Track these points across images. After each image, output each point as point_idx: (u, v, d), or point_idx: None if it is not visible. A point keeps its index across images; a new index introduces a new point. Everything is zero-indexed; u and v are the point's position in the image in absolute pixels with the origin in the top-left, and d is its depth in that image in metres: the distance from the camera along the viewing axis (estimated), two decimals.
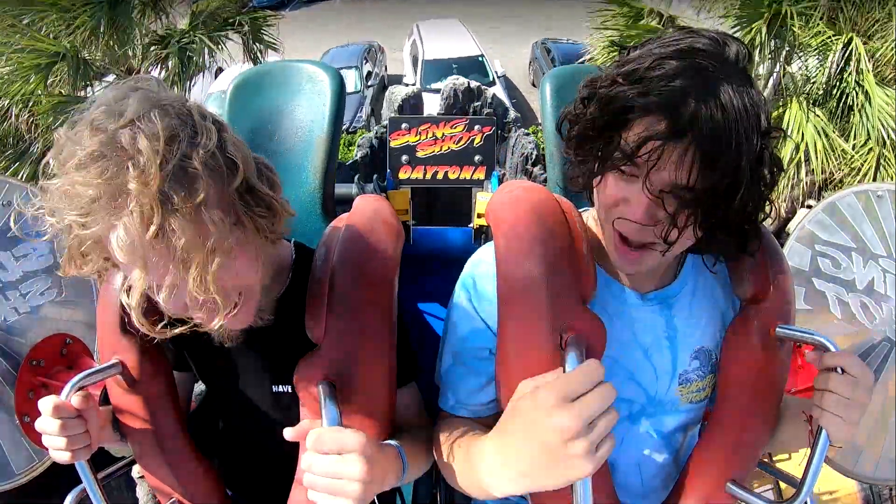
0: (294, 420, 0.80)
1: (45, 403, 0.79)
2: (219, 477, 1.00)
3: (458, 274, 0.91)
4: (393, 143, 1.32)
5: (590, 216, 0.87)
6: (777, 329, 0.81)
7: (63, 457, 0.81)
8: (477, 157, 1.35)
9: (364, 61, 9.70)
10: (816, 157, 3.39)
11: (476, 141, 1.34)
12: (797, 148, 3.41)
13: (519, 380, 0.68)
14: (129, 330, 0.88)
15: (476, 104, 3.92)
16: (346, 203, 1.26)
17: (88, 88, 3.50)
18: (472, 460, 0.71)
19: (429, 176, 1.37)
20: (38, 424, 0.81)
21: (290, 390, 0.87)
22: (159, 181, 0.56)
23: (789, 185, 3.54)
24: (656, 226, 0.66)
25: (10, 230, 1.13)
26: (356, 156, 3.76)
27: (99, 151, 0.57)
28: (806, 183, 3.57)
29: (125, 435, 0.93)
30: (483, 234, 1.32)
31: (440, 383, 0.88)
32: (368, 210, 0.91)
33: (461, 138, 1.35)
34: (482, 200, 1.29)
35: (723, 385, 0.85)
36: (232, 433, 0.98)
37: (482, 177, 1.35)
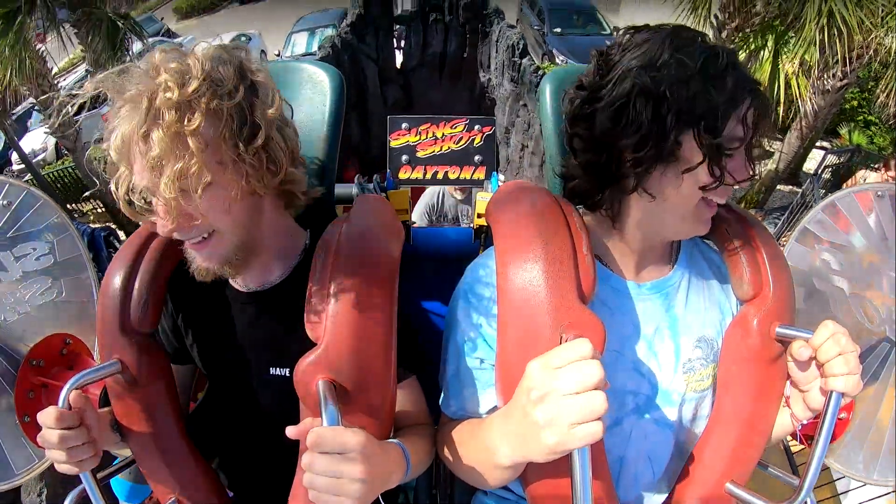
0: (289, 406, 0.81)
1: (47, 416, 0.79)
2: (218, 477, 1.00)
3: (458, 273, 0.91)
4: (393, 143, 1.32)
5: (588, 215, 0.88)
6: (777, 329, 0.81)
7: (70, 469, 0.82)
8: (477, 157, 1.35)
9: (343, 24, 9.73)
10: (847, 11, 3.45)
11: (476, 141, 1.34)
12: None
13: (518, 380, 0.68)
14: (128, 330, 0.89)
15: None
16: (345, 203, 1.26)
17: None
18: (484, 427, 0.76)
19: (429, 176, 1.37)
20: (41, 438, 0.80)
21: (286, 374, 0.88)
22: (161, 101, 0.69)
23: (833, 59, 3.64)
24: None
25: (10, 230, 1.13)
26: (317, 56, 3.71)
27: (140, 70, 0.73)
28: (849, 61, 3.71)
29: (125, 435, 0.93)
30: (483, 234, 1.32)
31: (444, 387, 0.89)
32: (368, 210, 0.91)
33: (461, 138, 1.36)
34: (482, 200, 1.28)
35: (723, 385, 0.85)
36: (232, 423, 0.98)
37: (482, 177, 1.35)
